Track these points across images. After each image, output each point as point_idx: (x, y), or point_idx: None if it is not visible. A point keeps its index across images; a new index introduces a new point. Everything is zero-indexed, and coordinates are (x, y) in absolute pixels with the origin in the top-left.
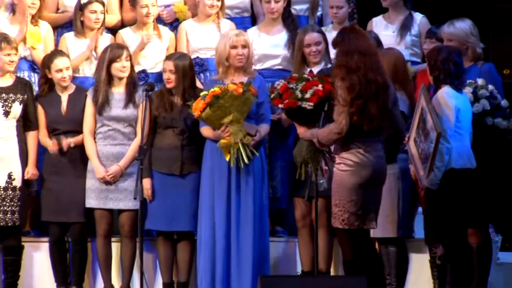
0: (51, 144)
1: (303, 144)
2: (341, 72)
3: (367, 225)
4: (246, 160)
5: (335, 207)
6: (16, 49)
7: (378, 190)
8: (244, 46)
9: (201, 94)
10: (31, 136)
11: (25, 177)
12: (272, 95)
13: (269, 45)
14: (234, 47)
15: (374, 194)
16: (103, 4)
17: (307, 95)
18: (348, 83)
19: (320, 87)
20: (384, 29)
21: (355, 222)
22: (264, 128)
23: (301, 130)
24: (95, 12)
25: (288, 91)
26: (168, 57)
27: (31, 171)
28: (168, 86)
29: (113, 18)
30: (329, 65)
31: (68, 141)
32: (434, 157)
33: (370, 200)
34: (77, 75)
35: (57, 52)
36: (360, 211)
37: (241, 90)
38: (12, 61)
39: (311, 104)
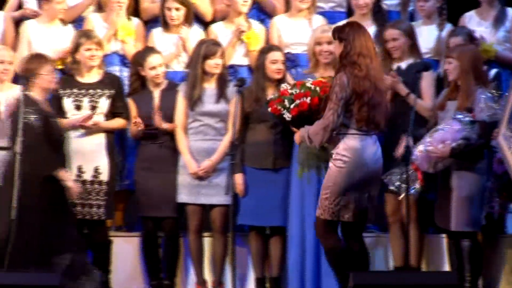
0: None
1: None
2: (342, 69)
3: (358, 218)
4: None
5: (326, 200)
6: (98, 44)
7: (373, 186)
8: (329, 43)
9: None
10: (116, 120)
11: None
12: (270, 97)
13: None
14: (319, 43)
15: (369, 189)
16: (179, 2)
17: (292, 106)
18: (345, 81)
19: (307, 99)
20: (477, 25)
21: (345, 215)
22: None
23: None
24: (170, 9)
25: (281, 97)
26: (273, 48)
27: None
28: (278, 77)
29: (208, 11)
30: (418, 60)
31: (163, 123)
32: None
33: (363, 195)
34: (166, 70)
35: (149, 49)
36: (352, 205)
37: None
38: (93, 56)
39: (290, 116)
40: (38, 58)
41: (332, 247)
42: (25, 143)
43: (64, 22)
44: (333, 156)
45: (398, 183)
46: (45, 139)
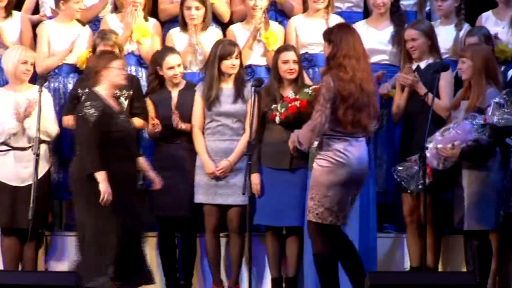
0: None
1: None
2: (328, 71)
3: (341, 221)
4: None
5: (311, 200)
6: (112, 46)
7: (356, 189)
8: None
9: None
10: (135, 119)
11: None
12: (273, 106)
13: (376, 39)
14: None
15: (352, 192)
16: (200, 1)
17: (282, 110)
18: (331, 83)
19: (297, 103)
20: (494, 25)
21: (328, 218)
22: None
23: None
24: (190, 8)
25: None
26: (287, 48)
27: None
28: (291, 77)
29: (226, 12)
30: (437, 60)
31: (180, 123)
32: None
33: (346, 198)
34: (184, 71)
35: (168, 49)
36: (335, 208)
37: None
38: None
39: (278, 119)
40: (107, 54)
41: (318, 252)
42: (78, 136)
43: (82, 22)
44: (317, 156)
45: (406, 178)
46: (102, 136)
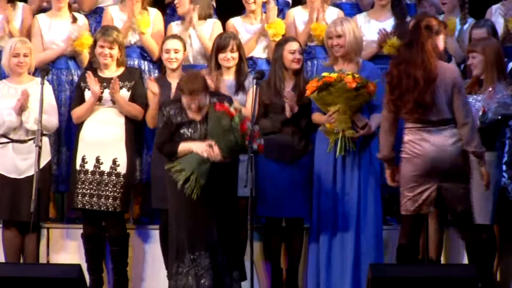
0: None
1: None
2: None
3: (425, 209)
4: (341, 152)
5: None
6: (112, 43)
7: (437, 177)
8: (339, 36)
9: (323, 74)
10: (133, 105)
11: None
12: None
13: (377, 31)
14: (330, 37)
15: (431, 181)
16: None
17: None
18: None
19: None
20: (501, 17)
21: (411, 208)
22: (374, 119)
23: None
24: None
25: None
26: (290, 40)
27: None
28: (297, 66)
29: None
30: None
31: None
32: None
33: (426, 187)
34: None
35: (172, 36)
36: (417, 197)
37: (354, 85)
38: (106, 54)
39: None
40: (186, 83)
41: (398, 243)
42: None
43: (74, 16)
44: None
45: None
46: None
